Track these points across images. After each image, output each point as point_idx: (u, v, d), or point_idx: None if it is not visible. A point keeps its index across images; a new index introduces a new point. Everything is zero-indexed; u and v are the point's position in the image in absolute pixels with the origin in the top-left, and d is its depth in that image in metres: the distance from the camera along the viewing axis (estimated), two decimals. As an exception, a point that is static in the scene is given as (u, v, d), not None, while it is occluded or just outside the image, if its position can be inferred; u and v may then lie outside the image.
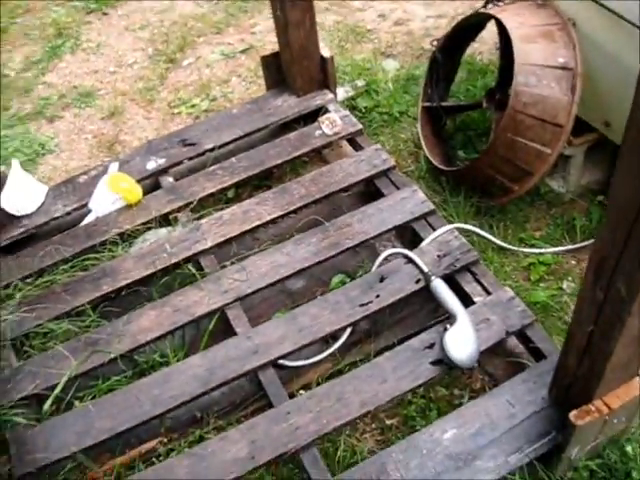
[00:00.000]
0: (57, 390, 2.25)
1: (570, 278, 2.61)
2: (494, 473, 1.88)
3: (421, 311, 2.40)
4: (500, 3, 2.62)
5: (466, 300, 2.26)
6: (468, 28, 2.87)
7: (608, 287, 1.46)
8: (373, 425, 2.25)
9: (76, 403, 2.26)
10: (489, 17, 2.66)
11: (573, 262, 2.67)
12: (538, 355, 2.14)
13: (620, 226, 1.32)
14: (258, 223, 2.61)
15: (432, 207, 2.54)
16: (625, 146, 1.24)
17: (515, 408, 1.99)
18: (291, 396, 2.18)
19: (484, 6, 2.73)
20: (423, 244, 2.44)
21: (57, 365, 2.31)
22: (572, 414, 1.77)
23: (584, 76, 2.42)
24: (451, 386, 2.28)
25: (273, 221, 2.66)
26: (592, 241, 2.52)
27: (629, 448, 1.98)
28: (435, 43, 2.90)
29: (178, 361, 2.30)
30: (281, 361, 2.26)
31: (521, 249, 2.65)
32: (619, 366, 1.66)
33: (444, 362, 2.10)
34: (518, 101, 2.40)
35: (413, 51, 3.69)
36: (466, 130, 3.14)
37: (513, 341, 2.21)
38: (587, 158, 2.73)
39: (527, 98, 2.40)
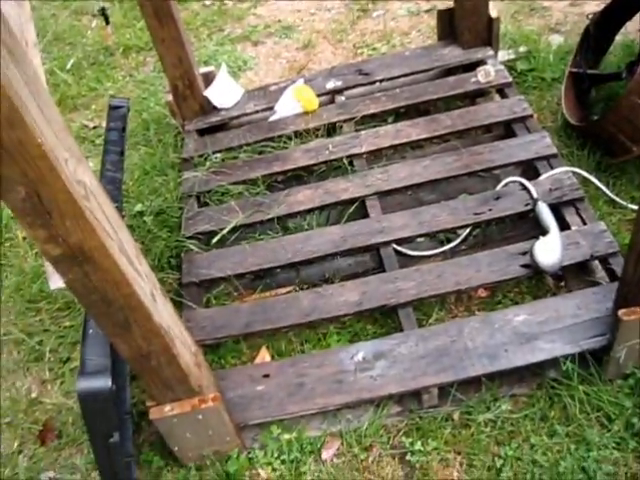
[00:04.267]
0: (225, 231, 2.91)
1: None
2: (548, 353, 2.30)
3: (525, 235, 2.80)
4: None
5: (563, 226, 2.66)
6: (627, 6, 3.20)
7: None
8: (460, 305, 2.71)
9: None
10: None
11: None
12: (614, 278, 2.51)
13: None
14: (406, 140, 3.13)
15: (555, 151, 2.93)
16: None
17: (581, 310, 2.38)
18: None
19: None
20: (540, 178, 2.85)
21: (228, 215, 2.97)
22: (621, 312, 2.15)
23: None
24: (533, 288, 2.70)
25: (418, 142, 3.17)
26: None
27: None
28: (590, 16, 3.26)
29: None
30: (401, 248, 2.78)
31: (630, 205, 2.96)
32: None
33: (532, 267, 2.53)
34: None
35: (580, 30, 4.00)
36: (607, 100, 3.46)
37: (596, 264, 2.59)
38: None
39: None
